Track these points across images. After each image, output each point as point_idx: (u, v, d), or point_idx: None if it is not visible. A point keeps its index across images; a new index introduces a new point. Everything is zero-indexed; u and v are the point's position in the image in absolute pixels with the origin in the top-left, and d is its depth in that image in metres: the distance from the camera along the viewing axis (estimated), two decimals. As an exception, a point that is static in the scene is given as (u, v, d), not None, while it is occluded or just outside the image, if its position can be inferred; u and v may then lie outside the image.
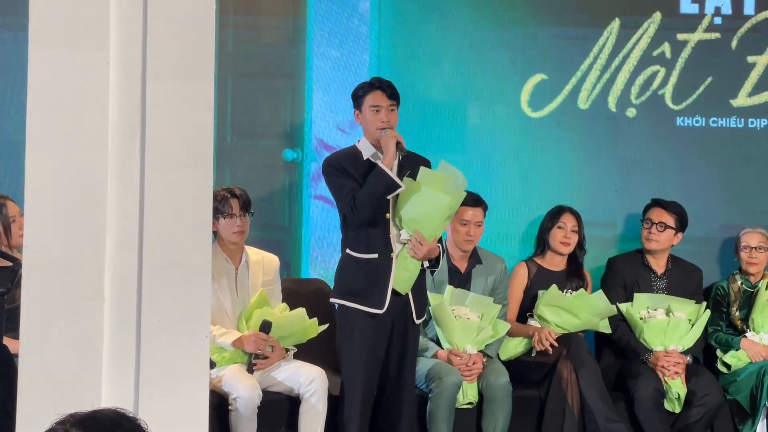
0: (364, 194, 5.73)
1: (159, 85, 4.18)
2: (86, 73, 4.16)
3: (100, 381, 4.14)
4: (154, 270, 4.17)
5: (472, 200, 6.49)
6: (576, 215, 6.84)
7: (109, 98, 4.16)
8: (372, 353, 5.84)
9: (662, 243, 6.82)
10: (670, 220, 6.82)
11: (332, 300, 5.98)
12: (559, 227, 6.80)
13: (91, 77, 4.16)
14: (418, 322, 5.97)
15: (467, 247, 6.56)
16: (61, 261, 4.15)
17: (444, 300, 6.37)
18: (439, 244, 5.94)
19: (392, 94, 5.87)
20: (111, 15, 4.16)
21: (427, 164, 5.95)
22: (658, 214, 6.83)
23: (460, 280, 6.55)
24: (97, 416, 2.88)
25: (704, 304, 6.71)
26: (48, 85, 4.15)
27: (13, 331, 4.98)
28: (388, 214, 5.84)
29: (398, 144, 5.75)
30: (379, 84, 5.88)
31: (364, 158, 5.86)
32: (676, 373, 6.48)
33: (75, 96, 4.16)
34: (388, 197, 5.77)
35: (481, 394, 6.36)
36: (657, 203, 6.86)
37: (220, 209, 6.11)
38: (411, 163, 5.87)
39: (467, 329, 6.35)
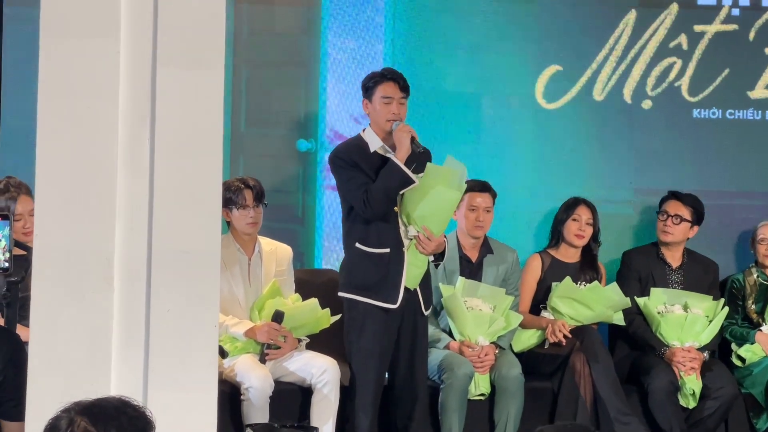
0: (378, 189, 5.73)
1: (169, 73, 4.17)
2: (96, 61, 4.15)
3: (109, 369, 4.14)
4: (164, 258, 4.17)
5: (480, 186, 6.47)
6: (591, 207, 6.81)
7: (119, 86, 4.16)
8: (382, 346, 5.86)
9: (677, 235, 6.79)
10: (686, 212, 6.78)
11: (341, 294, 5.96)
12: (574, 219, 6.78)
13: (101, 65, 4.15)
14: (426, 313, 5.99)
15: (477, 233, 6.53)
16: (70, 249, 4.15)
17: (456, 291, 6.35)
18: (445, 237, 5.95)
19: (404, 87, 5.87)
20: (121, 2, 4.16)
21: (429, 156, 5.94)
22: (675, 207, 6.79)
23: (471, 269, 6.53)
24: (102, 404, 2.89)
25: (722, 300, 6.67)
26: (58, 72, 4.15)
27: (25, 319, 4.97)
28: (396, 208, 5.85)
29: (413, 139, 5.75)
30: (391, 75, 5.87)
31: (371, 150, 5.85)
32: (692, 368, 6.44)
33: (85, 83, 4.16)
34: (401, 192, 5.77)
35: (493, 386, 6.34)
36: (673, 195, 6.83)
37: (233, 200, 6.12)
38: (417, 157, 5.86)
39: (479, 321, 6.34)
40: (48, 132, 4.14)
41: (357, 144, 5.90)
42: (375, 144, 5.87)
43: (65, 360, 4.12)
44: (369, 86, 5.89)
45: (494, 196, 6.56)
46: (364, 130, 5.94)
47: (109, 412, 2.87)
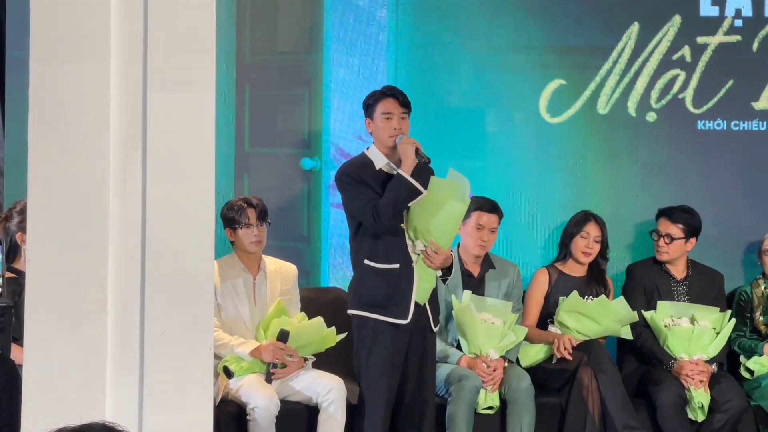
0: (387, 202, 5.73)
1: (160, 97, 4.18)
2: (87, 85, 4.17)
3: (103, 393, 4.14)
4: (157, 281, 4.18)
5: (490, 206, 6.48)
6: (600, 224, 6.78)
7: (110, 110, 4.17)
8: (392, 364, 5.84)
9: (673, 253, 6.75)
10: (675, 231, 6.74)
11: (350, 312, 5.95)
12: (582, 237, 6.75)
13: (92, 89, 4.17)
14: (435, 329, 5.98)
15: (479, 252, 6.54)
16: (63, 273, 4.16)
17: (468, 303, 6.33)
18: (451, 251, 5.96)
19: (404, 102, 5.88)
20: (112, 27, 4.17)
21: (431, 169, 5.95)
22: (665, 226, 6.76)
23: (473, 284, 6.52)
24: (86, 430, 2.88)
25: (729, 312, 6.64)
26: (49, 97, 4.17)
27: (20, 339, 4.97)
28: (403, 224, 5.84)
29: (417, 150, 5.75)
30: (391, 92, 5.89)
31: (377, 168, 5.85)
32: (701, 381, 6.41)
33: (76, 108, 4.18)
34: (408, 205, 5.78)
35: (503, 400, 6.33)
36: (662, 214, 6.80)
37: (236, 219, 6.15)
38: (418, 170, 5.86)
39: (491, 334, 6.33)
40: (40, 157, 4.16)
41: (362, 162, 5.91)
42: (380, 161, 5.87)
43: (60, 384, 4.13)
44: (369, 104, 5.91)
45: (501, 216, 6.56)
46: (368, 149, 5.95)
47: (92, 438, 2.87)
